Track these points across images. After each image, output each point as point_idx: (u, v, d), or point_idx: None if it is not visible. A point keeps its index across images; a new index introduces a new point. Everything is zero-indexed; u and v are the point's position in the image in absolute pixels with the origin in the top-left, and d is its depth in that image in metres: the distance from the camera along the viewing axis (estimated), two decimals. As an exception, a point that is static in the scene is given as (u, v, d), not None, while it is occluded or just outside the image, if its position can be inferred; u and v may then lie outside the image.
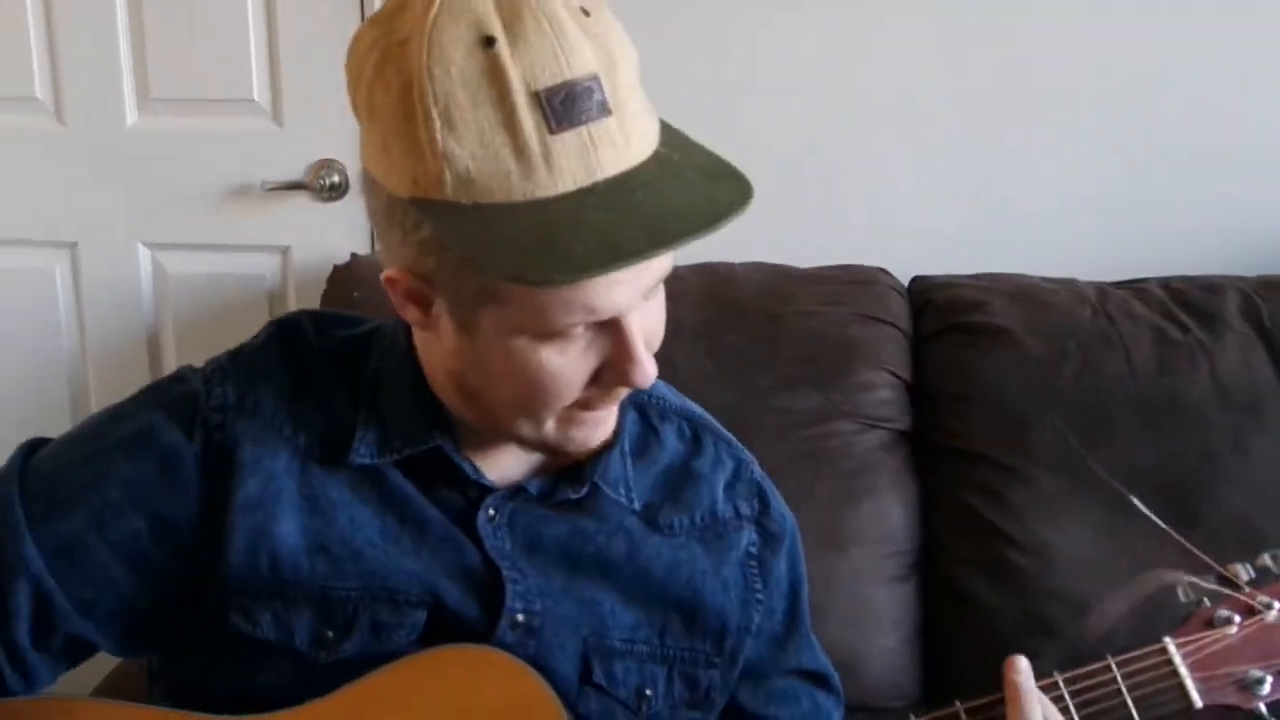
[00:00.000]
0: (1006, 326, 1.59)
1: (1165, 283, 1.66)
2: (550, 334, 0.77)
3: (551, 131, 0.71)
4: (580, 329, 0.77)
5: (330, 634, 0.88)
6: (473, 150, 0.71)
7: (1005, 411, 1.55)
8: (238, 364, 0.92)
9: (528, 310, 0.76)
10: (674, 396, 1.03)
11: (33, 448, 0.91)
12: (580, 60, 0.72)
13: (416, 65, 0.72)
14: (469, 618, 0.90)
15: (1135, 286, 1.66)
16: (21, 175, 1.96)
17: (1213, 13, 1.70)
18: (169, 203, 1.94)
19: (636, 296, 0.77)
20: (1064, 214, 1.80)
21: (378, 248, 1.88)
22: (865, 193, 1.82)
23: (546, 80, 0.71)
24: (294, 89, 1.88)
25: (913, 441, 1.62)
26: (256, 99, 1.89)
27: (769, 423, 1.53)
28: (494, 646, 0.89)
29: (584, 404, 0.84)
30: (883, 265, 1.73)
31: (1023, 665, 0.85)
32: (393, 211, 0.78)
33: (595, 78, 0.72)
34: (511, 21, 0.72)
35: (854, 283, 1.68)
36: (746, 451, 1.04)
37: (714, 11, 1.73)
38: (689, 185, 0.75)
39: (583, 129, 0.72)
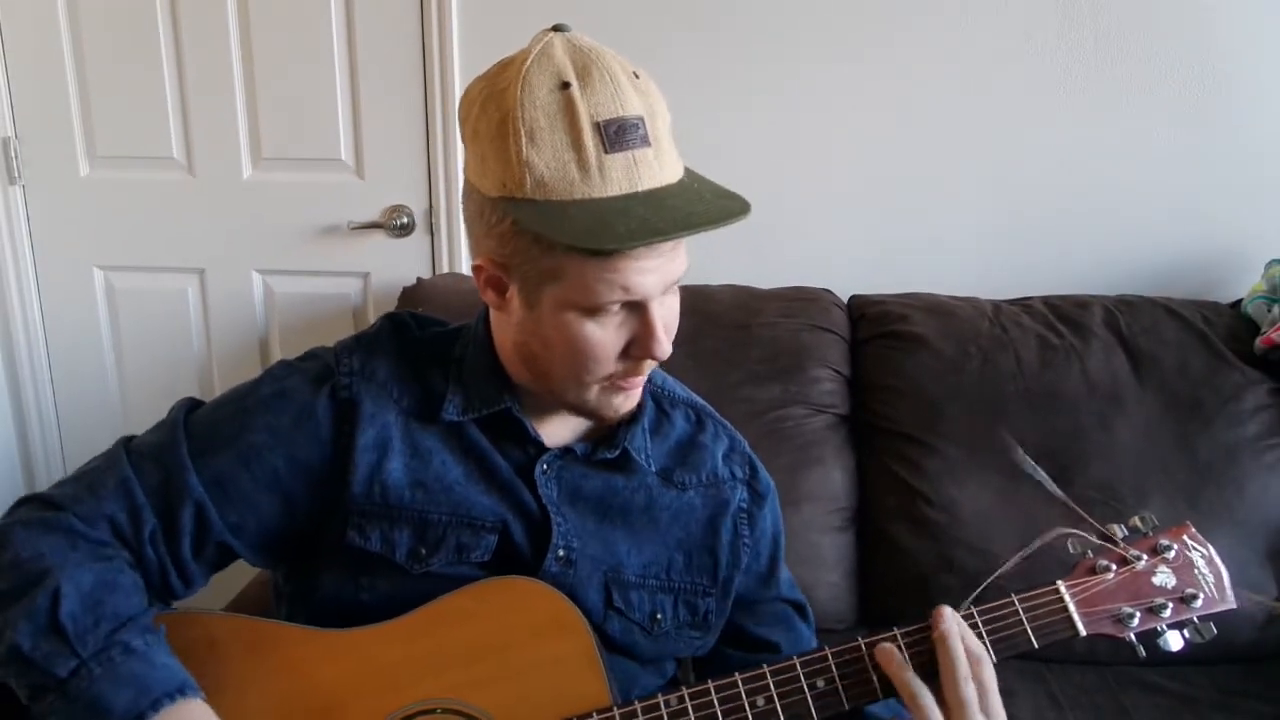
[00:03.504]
0: (923, 334, 1.59)
1: (1046, 300, 1.67)
2: (593, 309, 0.80)
3: (607, 152, 0.75)
4: (616, 308, 0.80)
5: (423, 550, 0.88)
6: (548, 161, 0.76)
7: (922, 400, 1.55)
8: (360, 344, 0.93)
9: (579, 287, 0.78)
10: (681, 390, 1.04)
11: (191, 406, 0.92)
12: (630, 105, 0.77)
13: (512, 101, 0.76)
14: (525, 548, 0.90)
15: (1022, 303, 1.67)
16: (161, 217, 1.95)
17: (1086, 100, 1.71)
18: (276, 238, 1.94)
19: (659, 288, 0.80)
20: (968, 247, 1.80)
21: (443, 271, 1.91)
22: (815, 232, 1.82)
23: (605, 115, 0.76)
24: (372, 151, 1.87)
25: (851, 423, 1.61)
26: (343, 158, 1.89)
27: (740, 409, 1.52)
28: (541, 575, 0.89)
29: (618, 376, 0.85)
30: (827, 286, 1.72)
31: (947, 613, 0.84)
32: (483, 210, 0.81)
33: (641, 119, 0.77)
34: (582, 74, 0.76)
35: (805, 300, 1.67)
36: (738, 432, 1.04)
37: (698, 94, 1.74)
38: (705, 199, 0.79)
39: (629, 153, 0.76)
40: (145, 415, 2.24)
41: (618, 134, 0.75)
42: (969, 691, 0.80)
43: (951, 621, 0.83)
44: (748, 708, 0.83)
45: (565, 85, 0.76)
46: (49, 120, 1.92)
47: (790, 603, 1.06)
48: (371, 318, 1.96)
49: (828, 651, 0.85)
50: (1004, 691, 1.34)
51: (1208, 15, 1.66)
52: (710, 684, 0.84)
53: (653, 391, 0.99)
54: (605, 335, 0.81)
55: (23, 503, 0.87)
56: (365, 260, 1.93)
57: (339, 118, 1.86)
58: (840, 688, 0.83)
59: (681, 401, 1.02)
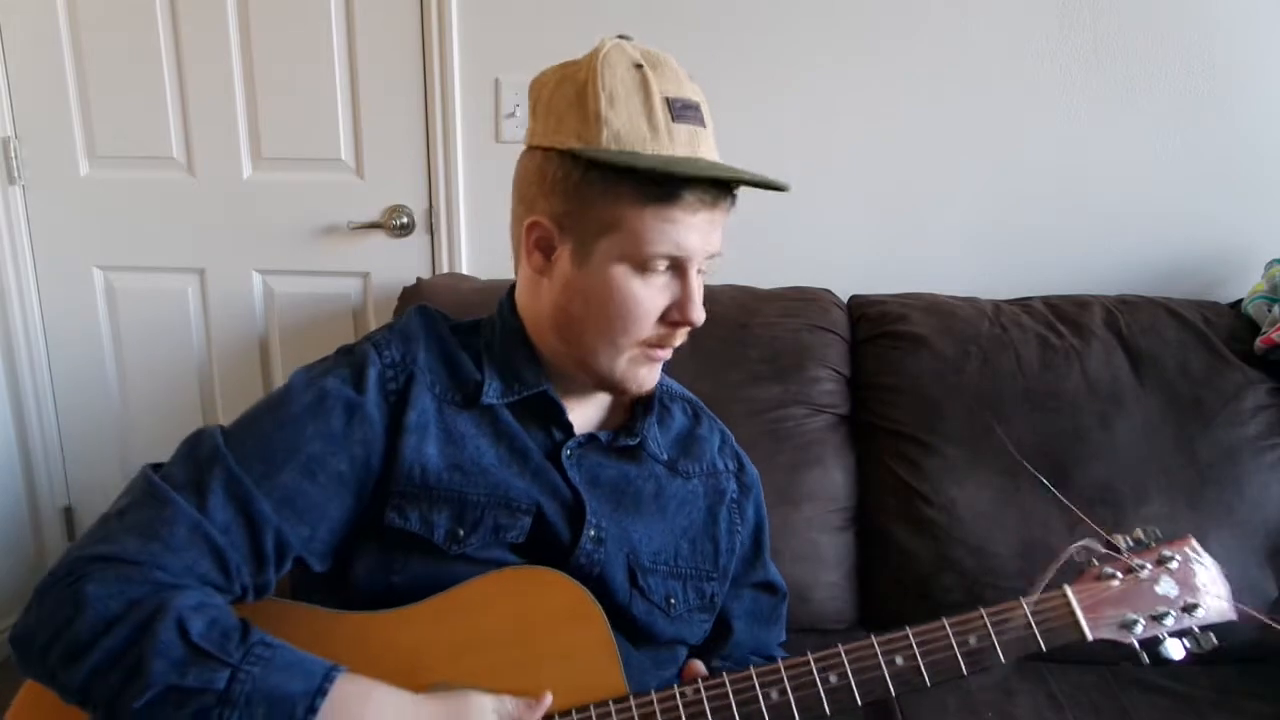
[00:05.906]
0: (923, 334, 1.59)
1: (1046, 300, 1.67)
2: (643, 262, 0.86)
3: (674, 120, 0.86)
4: (663, 265, 0.87)
5: (461, 531, 0.89)
6: (623, 120, 0.85)
7: (922, 400, 1.55)
8: (395, 334, 0.95)
9: (635, 238, 0.86)
10: (678, 387, 1.09)
11: (221, 434, 0.87)
12: (691, 91, 0.89)
13: (590, 74, 0.86)
14: (560, 529, 0.92)
15: (1022, 302, 1.67)
16: (161, 217, 1.96)
17: (1086, 100, 1.71)
18: (276, 238, 1.94)
19: (702, 252, 0.88)
20: (968, 247, 1.80)
21: (443, 271, 1.88)
22: (815, 232, 1.82)
23: (672, 92, 0.87)
24: (372, 151, 1.88)
25: (851, 423, 1.61)
26: (343, 158, 1.89)
27: (740, 408, 1.53)
28: (578, 553, 0.91)
29: (651, 343, 0.90)
30: (827, 286, 1.73)
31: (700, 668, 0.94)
32: (545, 170, 0.88)
33: (699, 104, 0.89)
34: (652, 63, 0.88)
35: (805, 300, 1.67)
36: (727, 427, 1.09)
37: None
38: (750, 172, 0.88)
39: (692, 126, 0.87)
40: (145, 415, 2.24)
41: (683, 109, 0.86)
42: None
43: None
44: (761, 700, 0.84)
45: (639, 66, 0.86)
46: (49, 120, 1.92)
47: (766, 585, 1.09)
48: (371, 317, 1.96)
49: (840, 649, 0.86)
50: (1004, 691, 1.36)
51: (1208, 15, 1.66)
52: (725, 677, 0.85)
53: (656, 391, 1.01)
54: (649, 294, 0.87)
55: (86, 561, 0.78)
56: (365, 260, 1.93)
57: (339, 118, 1.86)
58: (853, 684, 0.84)
59: (678, 396, 1.07)
